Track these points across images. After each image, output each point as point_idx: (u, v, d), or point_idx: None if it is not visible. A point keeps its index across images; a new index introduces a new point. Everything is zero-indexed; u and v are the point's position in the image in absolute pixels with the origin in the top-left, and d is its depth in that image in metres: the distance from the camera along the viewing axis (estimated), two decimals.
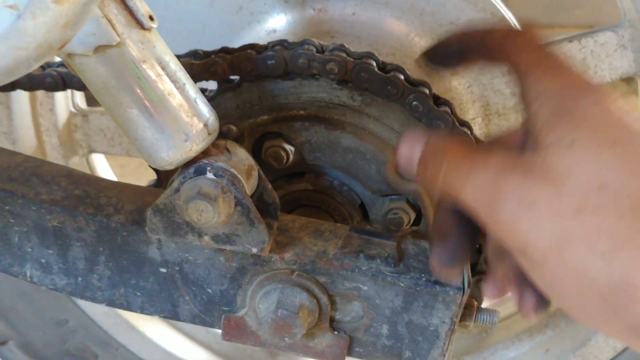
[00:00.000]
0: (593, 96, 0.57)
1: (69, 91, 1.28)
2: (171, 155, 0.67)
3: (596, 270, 0.50)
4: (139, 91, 0.64)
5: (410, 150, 0.68)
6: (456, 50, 0.75)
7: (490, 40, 0.70)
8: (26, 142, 1.23)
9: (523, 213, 0.54)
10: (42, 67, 0.90)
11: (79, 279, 0.81)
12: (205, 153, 0.70)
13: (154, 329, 1.40)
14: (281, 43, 0.86)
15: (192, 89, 0.68)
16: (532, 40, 0.66)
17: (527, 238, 0.54)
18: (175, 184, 0.69)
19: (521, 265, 0.58)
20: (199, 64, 0.84)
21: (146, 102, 0.64)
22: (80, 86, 0.90)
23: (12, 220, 0.78)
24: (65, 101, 1.28)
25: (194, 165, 0.69)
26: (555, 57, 0.63)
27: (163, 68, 0.65)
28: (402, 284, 0.75)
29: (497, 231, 0.58)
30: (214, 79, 0.86)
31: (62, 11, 0.48)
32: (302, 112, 0.89)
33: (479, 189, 0.59)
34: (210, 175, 0.68)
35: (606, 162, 0.52)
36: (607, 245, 0.49)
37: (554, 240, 0.52)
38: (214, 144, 0.71)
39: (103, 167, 1.38)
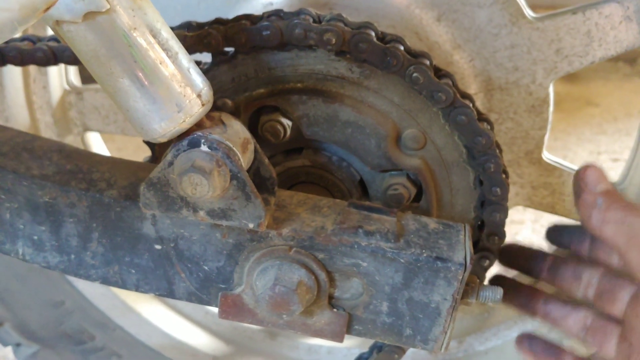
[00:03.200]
0: None
1: (62, 68, 1.26)
2: (164, 126, 0.65)
3: None
4: (130, 60, 0.62)
5: (594, 197, 0.83)
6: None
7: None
8: (19, 120, 1.21)
9: None
10: (33, 42, 0.88)
11: (72, 256, 0.79)
12: (199, 125, 0.68)
13: (152, 310, 1.39)
14: (277, 13, 0.84)
15: (184, 58, 0.66)
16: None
17: None
18: (168, 157, 0.67)
19: None
20: (192, 36, 0.82)
21: (137, 72, 0.62)
22: (72, 60, 0.87)
23: (2, 197, 0.76)
24: (59, 78, 1.26)
25: (187, 137, 0.67)
26: None
27: (154, 36, 0.63)
28: (402, 260, 0.74)
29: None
30: (207, 51, 0.84)
31: None
32: (299, 84, 0.87)
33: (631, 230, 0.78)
34: (204, 147, 0.67)
35: None
36: None
37: None
38: (208, 116, 0.69)
39: (98, 146, 1.36)
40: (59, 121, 1.27)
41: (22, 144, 0.79)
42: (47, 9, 0.48)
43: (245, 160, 0.71)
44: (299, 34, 0.81)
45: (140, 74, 0.62)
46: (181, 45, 0.66)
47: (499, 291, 0.79)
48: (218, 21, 0.84)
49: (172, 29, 0.83)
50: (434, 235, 0.77)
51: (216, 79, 0.87)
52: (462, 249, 0.75)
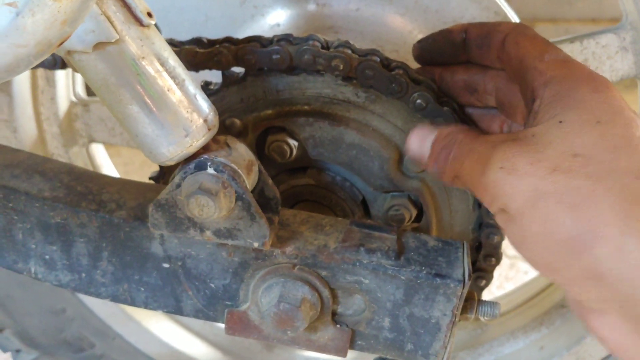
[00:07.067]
0: (592, 84, 0.65)
1: (70, 80, 1.29)
2: (172, 150, 0.67)
3: (562, 220, 0.58)
4: (138, 87, 0.64)
5: (422, 141, 0.77)
6: (452, 44, 0.84)
7: (497, 32, 0.78)
8: (27, 131, 1.24)
9: (505, 175, 0.62)
10: None
11: (83, 274, 0.82)
12: (205, 148, 0.70)
13: (151, 320, 1.41)
14: (286, 38, 0.86)
15: (191, 84, 0.68)
16: (537, 34, 0.75)
17: (506, 197, 0.62)
18: (176, 179, 0.70)
19: (500, 224, 0.66)
20: (203, 53, 0.85)
21: (146, 99, 0.65)
22: None
23: (15, 217, 0.79)
24: (67, 90, 1.28)
25: (194, 160, 0.69)
26: (559, 49, 0.72)
27: (162, 64, 0.65)
28: (403, 277, 0.76)
29: (483, 195, 0.66)
30: (217, 69, 0.86)
31: (60, 8, 0.48)
32: (306, 107, 0.89)
33: (475, 161, 0.67)
34: (210, 170, 0.69)
35: (586, 138, 0.61)
36: (573, 199, 0.58)
37: (529, 196, 0.60)
38: (214, 139, 0.72)
39: (103, 157, 1.38)
40: (65, 132, 1.29)
41: (33, 166, 0.82)
42: (61, 43, 0.51)
43: (249, 181, 0.73)
44: (308, 60, 0.84)
45: (149, 101, 0.65)
46: (188, 72, 0.68)
47: (497, 306, 0.81)
48: (229, 40, 0.87)
49: (183, 44, 0.86)
50: (433, 252, 0.79)
51: (225, 99, 0.89)
52: (461, 266, 0.77)
